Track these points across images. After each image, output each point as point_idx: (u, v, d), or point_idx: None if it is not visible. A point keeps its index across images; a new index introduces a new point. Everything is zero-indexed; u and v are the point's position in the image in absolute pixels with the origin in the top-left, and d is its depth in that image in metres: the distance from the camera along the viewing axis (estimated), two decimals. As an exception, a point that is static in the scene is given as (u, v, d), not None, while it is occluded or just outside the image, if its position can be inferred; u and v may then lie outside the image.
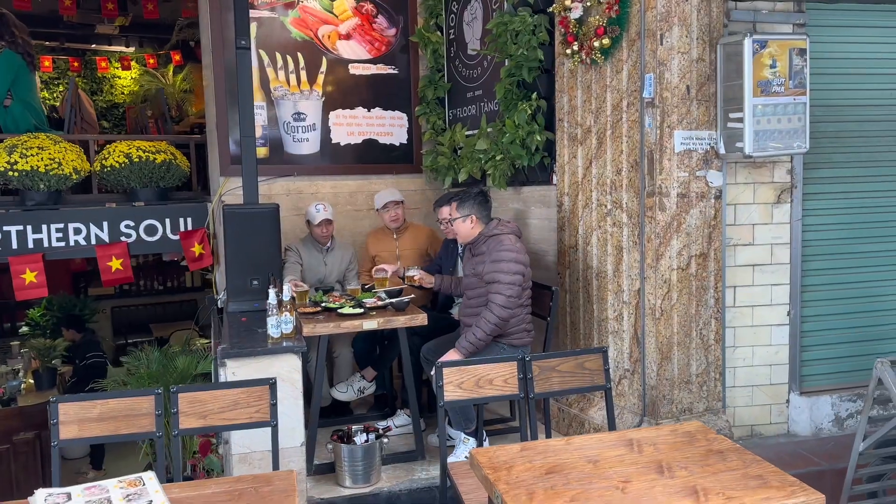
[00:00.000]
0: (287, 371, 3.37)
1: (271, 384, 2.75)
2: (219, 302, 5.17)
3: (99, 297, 10.22)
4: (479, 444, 3.77)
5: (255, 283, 4.28)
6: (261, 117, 5.14)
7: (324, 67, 5.40)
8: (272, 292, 3.54)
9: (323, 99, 5.35)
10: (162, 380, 4.60)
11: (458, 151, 5.29)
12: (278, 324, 3.46)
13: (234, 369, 3.35)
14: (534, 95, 4.39)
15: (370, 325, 3.73)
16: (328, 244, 4.76)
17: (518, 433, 4.33)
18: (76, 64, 10.93)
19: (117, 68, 11.10)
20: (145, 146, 5.51)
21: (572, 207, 4.16)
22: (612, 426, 3.17)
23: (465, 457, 3.67)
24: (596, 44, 3.73)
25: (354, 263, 4.87)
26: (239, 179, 4.97)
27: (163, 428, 2.71)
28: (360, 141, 5.50)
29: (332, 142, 5.39)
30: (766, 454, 2.61)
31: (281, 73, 5.27)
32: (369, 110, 5.51)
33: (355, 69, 5.50)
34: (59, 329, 8.45)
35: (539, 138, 4.38)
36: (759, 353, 3.91)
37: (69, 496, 2.05)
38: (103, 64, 10.97)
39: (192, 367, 4.68)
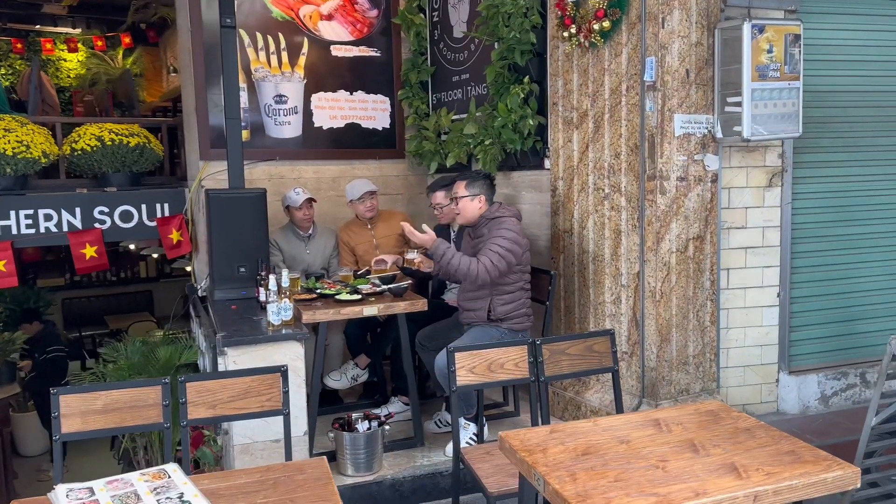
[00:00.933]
0: (290, 359, 3.29)
1: (283, 371, 2.68)
2: (199, 290, 5.03)
3: (49, 289, 9.83)
4: (479, 430, 3.76)
5: (243, 270, 4.17)
6: (241, 99, 5.00)
7: (305, 48, 5.28)
8: (272, 278, 3.45)
9: (305, 81, 5.23)
10: (144, 371, 4.45)
11: (444, 136, 5.24)
12: (279, 311, 3.38)
13: (234, 357, 3.26)
14: (526, 79, 4.36)
15: (370, 311, 3.67)
16: (310, 230, 4.66)
17: (512, 417, 4.37)
18: (19, 45, 10.45)
19: (63, 50, 10.67)
20: (118, 129, 5.31)
21: (567, 192, 4.16)
22: (619, 408, 3.19)
23: (468, 442, 3.65)
24: (596, 26, 3.72)
25: (337, 250, 4.79)
26: (219, 164, 4.84)
27: (170, 419, 2.62)
28: (342, 125, 5.40)
29: (315, 125, 5.28)
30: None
31: (262, 54, 5.13)
32: (352, 93, 5.42)
33: (337, 51, 5.39)
34: (15, 322, 8.10)
35: (531, 122, 4.36)
36: (751, 335, 3.99)
37: (92, 491, 1.95)
38: (48, 46, 10.52)
39: (176, 357, 4.53)
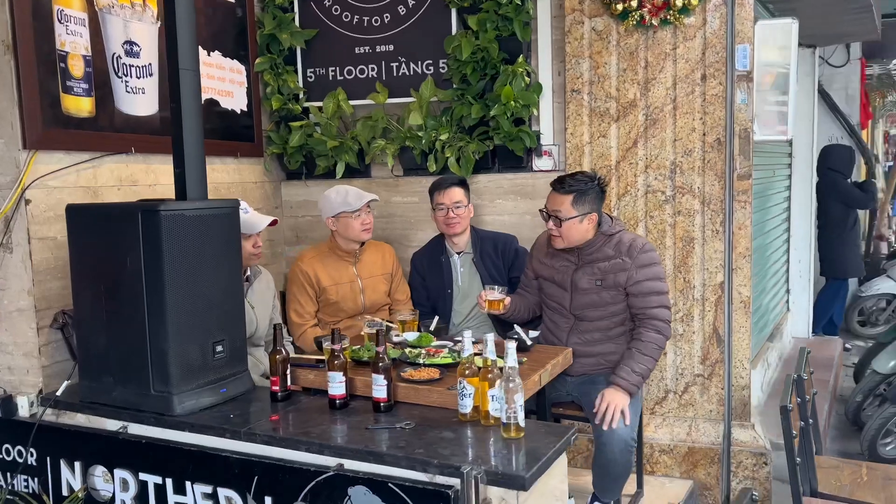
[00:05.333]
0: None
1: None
2: (29, 404, 2.64)
3: None
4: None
5: (220, 350, 2.37)
6: (82, 38, 2.80)
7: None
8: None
9: (158, 24, 3.21)
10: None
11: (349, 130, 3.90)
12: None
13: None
14: (520, 58, 3.52)
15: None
16: (247, 271, 2.94)
17: None
18: None
19: None
20: None
21: (596, 196, 3.48)
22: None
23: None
24: (679, 2, 3.18)
25: (278, 299, 3.15)
26: (63, 157, 2.71)
27: None
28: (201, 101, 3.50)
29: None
30: None
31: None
32: (209, 54, 3.57)
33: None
34: None
35: (536, 112, 3.55)
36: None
37: None
38: None
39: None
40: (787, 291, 5.90)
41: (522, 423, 1.97)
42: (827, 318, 6.10)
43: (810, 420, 2.58)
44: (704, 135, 3.32)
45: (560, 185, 2.83)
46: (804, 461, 2.44)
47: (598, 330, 2.86)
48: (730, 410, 3.40)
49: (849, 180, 6.02)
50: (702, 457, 3.41)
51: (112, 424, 2.38)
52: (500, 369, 2.06)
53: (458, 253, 3.35)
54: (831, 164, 5.91)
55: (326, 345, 2.47)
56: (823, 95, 6.44)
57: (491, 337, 2.08)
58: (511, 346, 2.00)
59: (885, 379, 4.13)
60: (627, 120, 3.42)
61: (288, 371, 2.40)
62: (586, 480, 3.08)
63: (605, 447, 2.67)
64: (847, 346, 6.08)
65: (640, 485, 3.23)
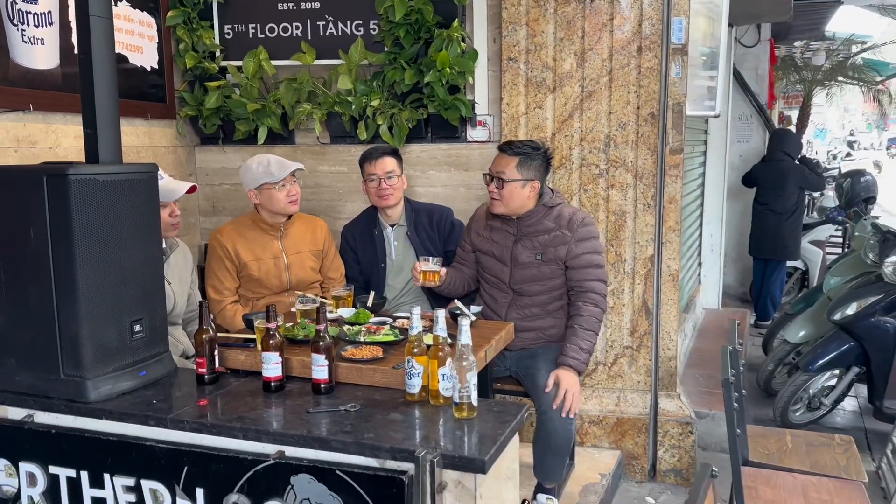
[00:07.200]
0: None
1: None
2: None
3: None
4: None
5: (139, 329, 2.16)
6: None
7: None
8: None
9: (56, -32, 2.87)
10: None
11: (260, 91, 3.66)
12: (451, 380, 1.88)
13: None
14: (455, 23, 3.39)
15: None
16: (163, 244, 2.70)
17: None
18: None
19: None
20: None
21: (529, 168, 3.43)
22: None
23: None
24: (616, -28, 3.13)
25: (196, 273, 2.93)
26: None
27: None
28: (107, 58, 3.18)
29: (72, 52, 2.96)
30: None
31: None
32: (116, 3, 3.24)
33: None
34: None
35: (471, 80, 3.44)
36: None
37: None
38: None
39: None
40: (699, 265, 6.11)
41: (476, 403, 1.89)
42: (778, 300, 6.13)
43: (743, 392, 2.64)
44: (639, 108, 3.31)
45: (508, 146, 2.78)
46: (741, 432, 2.50)
47: (536, 305, 2.82)
48: (657, 381, 3.46)
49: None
50: (630, 427, 3.47)
51: (16, 413, 2.13)
52: (451, 346, 1.97)
53: (392, 225, 3.22)
54: (786, 148, 5.89)
55: (258, 323, 2.30)
56: (735, 75, 6.65)
57: (442, 313, 1.98)
58: (465, 322, 1.91)
59: (794, 348, 4.33)
60: (564, 91, 3.37)
61: (216, 351, 2.22)
62: (523, 453, 3.06)
63: (546, 416, 2.64)
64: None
65: (571, 457, 3.25)
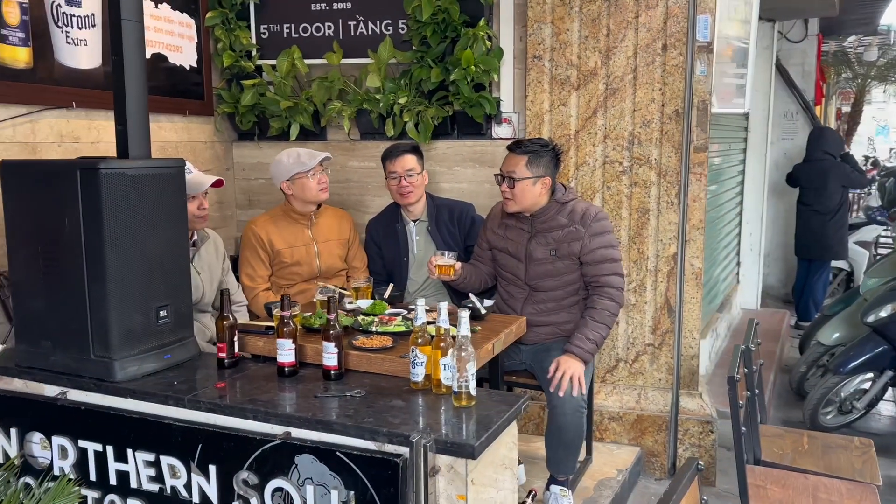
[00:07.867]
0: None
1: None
2: None
3: None
4: None
5: (164, 315, 2.29)
6: None
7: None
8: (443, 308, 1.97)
9: (101, -28, 3.05)
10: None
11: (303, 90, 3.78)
12: (452, 370, 1.95)
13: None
14: (481, 22, 3.44)
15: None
16: (193, 235, 2.84)
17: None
18: None
19: None
20: None
21: (554, 165, 3.46)
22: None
23: None
24: (642, -31, 3.14)
25: (227, 263, 3.06)
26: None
27: None
28: (147, 55, 3.35)
29: (111, 54, 3.14)
30: None
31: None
32: (157, 6, 3.41)
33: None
34: None
35: (496, 78, 3.49)
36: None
37: None
38: None
39: None
40: (738, 264, 6.01)
41: (474, 392, 1.95)
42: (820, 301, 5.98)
43: (756, 390, 2.63)
44: (663, 106, 3.31)
45: (516, 146, 2.83)
46: (749, 430, 2.50)
47: (552, 300, 2.86)
48: (678, 379, 3.45)
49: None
50: (650, 424, 3.47)
51: (50, 390, 2.29)
52: (454, 338, 2.03)
53: (414, 221, 3.30)
54: (826, 147, 5.76)
55: (276, 311, 2.41)
56: (780, 70, 6.50)
57: (444, 305, 2.05)
58: (464, 314, 1.97)
59: (828, 350, 4.24)
60: (588, 89, 3.39)
61: (235, 337, 2.34)
62: (537, 447, 3.11)
63: (557, 410, 2.68)
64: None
65: (588, 451, 3.28)
